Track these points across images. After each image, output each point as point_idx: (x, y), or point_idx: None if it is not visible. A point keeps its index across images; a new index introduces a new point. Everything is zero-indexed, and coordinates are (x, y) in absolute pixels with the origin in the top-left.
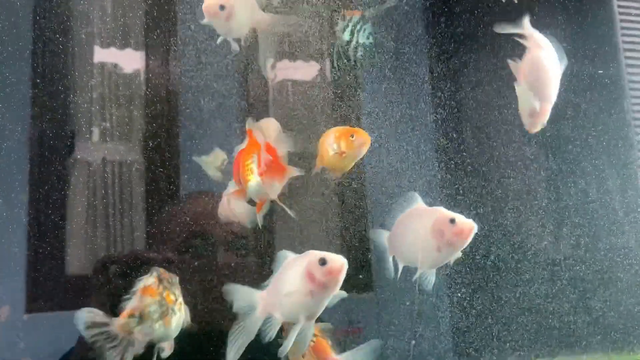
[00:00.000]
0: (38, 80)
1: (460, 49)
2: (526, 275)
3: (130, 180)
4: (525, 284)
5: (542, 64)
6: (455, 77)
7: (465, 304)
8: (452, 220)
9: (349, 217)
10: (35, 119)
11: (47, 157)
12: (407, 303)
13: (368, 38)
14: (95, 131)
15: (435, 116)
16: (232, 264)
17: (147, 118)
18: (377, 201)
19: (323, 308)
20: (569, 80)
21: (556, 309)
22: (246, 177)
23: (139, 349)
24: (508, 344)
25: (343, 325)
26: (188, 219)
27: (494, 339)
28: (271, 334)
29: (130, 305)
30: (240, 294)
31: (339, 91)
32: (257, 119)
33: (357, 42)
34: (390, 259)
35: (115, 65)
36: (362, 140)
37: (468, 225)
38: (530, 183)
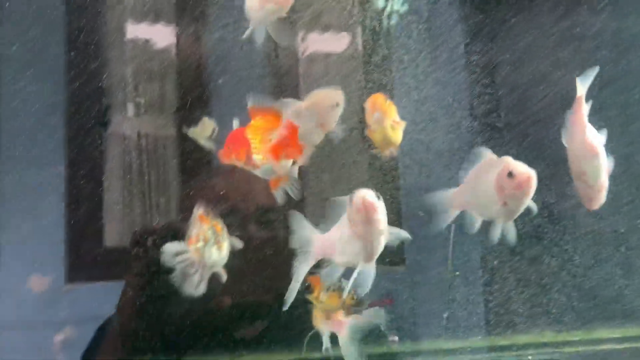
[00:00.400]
0: (73, 55)
1: (495, 14)
2: (566, 246)
3: (165, 154)
4: (564, 255)
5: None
6: (491, 45)
7: (499, 276)
8: (510, 174)
9: (381, 189)
10: (71, 93)
11: (83, 131)
12: (440, 275)
13: (403, 5)
14: (130, 105)
15: (471, 84)
16: (266, 237)
17: (179, 91)
18: (410, 174)
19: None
20: None
21: (596, 282)
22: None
23: (207, 273)
24: (542, 317)
25: (375, 297)
26: (222, 191)
27: (526, 312)
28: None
29: (194, 232)
30: (300, 229)
31: (372, 61)
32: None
33: (391, 8)
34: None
35: (148, 40)
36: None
37: (525, 177)
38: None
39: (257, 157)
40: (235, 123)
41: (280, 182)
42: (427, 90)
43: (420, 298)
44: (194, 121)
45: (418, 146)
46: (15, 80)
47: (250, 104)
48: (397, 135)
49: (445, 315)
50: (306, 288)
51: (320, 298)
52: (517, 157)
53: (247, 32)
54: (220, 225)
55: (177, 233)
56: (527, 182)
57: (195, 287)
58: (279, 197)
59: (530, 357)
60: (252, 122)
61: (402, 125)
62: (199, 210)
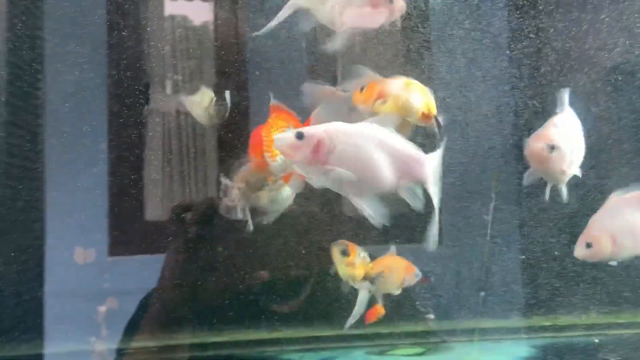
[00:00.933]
0: (114, 34)
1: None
2: None
3: (202, 131)
4: None
5: None
6: (536, 31)
7: (536, 256)
8: None
9: None
10: (111, 70)
11: (124, 108)
12: (477, 255)
13: None
14: (169, 83)
15: (514, 72)
16: (304, 213)
17: (217, 69)
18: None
19: None
20: None
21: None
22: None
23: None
24: (580, 300)
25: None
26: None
27: (566, 293)
28: None
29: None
30: None
31: (411, 44)
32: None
33: None
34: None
35: (185, 18)
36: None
37: None
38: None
39: (267, 155)
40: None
41: (292, 177)
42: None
43: (457, 276)
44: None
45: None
46: (60, 59)
47: (271, 101)
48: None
49: (482, 294)
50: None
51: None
52: None
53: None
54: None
55: (214, 208)
56: None
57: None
58: (296, 188)
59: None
60: (269, 120)
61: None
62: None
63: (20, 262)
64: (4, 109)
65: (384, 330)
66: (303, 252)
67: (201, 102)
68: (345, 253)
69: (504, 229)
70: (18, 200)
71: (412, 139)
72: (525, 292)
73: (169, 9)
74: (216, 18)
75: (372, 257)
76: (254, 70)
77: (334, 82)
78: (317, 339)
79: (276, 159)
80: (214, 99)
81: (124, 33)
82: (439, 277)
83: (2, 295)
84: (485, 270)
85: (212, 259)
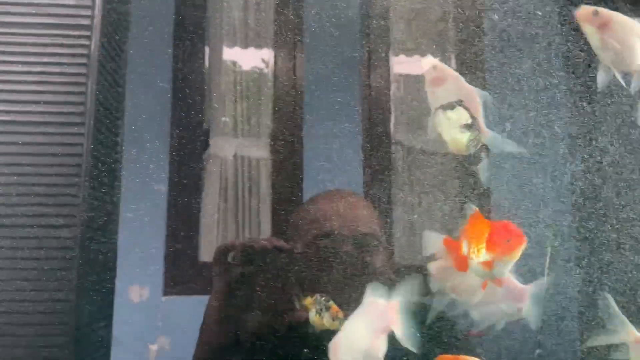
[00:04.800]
0: (178, 80)
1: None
2: None
3: (258, 176)
4: None
5: None
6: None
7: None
8: None
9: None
10: (175, 115)
11: (184, 152)
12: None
13: None
14: (228, 128)
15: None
16: (356, 263)
17: (274, 116)
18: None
19: None
20: None
21: None
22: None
23: None
24: None
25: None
26: (315, 215)
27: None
28: None
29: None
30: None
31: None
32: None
33: None
34: None
35: (245, 64)
36: None
37: None
38: None
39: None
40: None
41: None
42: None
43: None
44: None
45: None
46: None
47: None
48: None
49: (537, 352)
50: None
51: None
52: None
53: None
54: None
55: (257, 249)
56: None
57: None
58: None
59: None
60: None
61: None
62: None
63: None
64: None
65: None
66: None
67: (458, 120)
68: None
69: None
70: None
71: None
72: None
73: (229, 55)
74: (275, 63)
75: None
76: (309, 117)
77: None
78: None
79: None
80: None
81: (188, 78)
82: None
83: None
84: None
85: (252, 301)
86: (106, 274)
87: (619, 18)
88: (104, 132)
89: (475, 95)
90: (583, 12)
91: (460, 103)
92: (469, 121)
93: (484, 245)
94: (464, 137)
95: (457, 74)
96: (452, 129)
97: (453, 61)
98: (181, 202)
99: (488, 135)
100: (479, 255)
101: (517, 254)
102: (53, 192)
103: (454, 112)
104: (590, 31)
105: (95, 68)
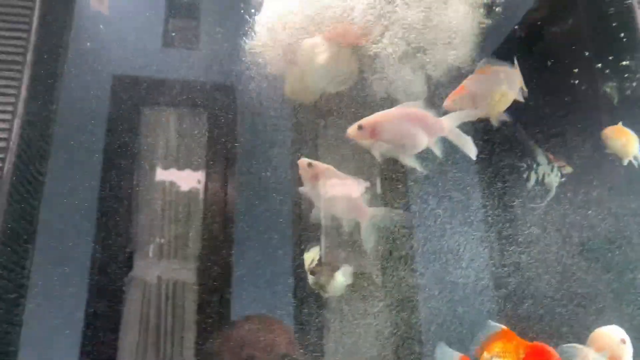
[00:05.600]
0: (104, 198)
1: None
2: None
3: (183, 299)
4: None
5: None
6: None
7: None
8: None
9: None
10: (98, 236)
11: (107, 275)
12: None
13: None
14: (152, 249)
15: None
16: None
17: (202, 238)
18: None
19: None
20: None
21: None
22: None
23: None
24: None
25: None
26: (238, 342)
27: None
28: None
29: None
30: None
31: None
32: None
33: None
34: None
35: (173, 184)
36: None
37: None
38: None
39: None
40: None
41: None
42: None
43: None
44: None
45: None
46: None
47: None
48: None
49: None
50: None
51: None
52: None
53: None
54: None
55: None
56: None
57: None
58: None
59: None
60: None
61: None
62: None
63: None
64: None
65: None
66: None
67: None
68: None
69: None
70: None
71: None
72: None
73: (160, 175)
74: (206, 186)
75: None
76: (239, 240)
77: None
78: None
79: None
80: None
81: (112, 199)
82: None
83: None
84: None
85: None
86: None
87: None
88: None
89: (354, 183)
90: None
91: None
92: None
93: None
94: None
95: (331, 167)
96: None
97: None
98: (100, 326)
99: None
100: None
101: None
102: None
103: (309, 253)
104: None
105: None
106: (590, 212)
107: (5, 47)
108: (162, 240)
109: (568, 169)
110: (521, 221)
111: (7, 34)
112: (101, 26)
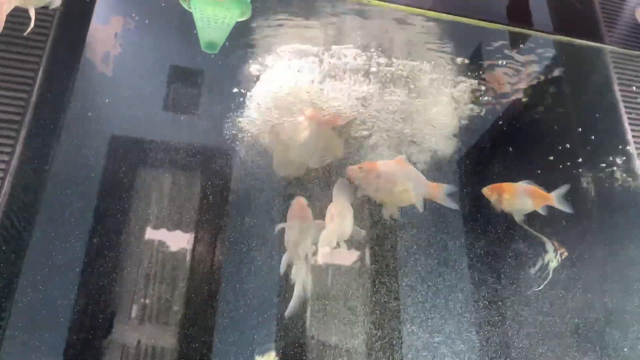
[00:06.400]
0: (92, 252)
1: None
2: None
3: None
4: None
5: None
6: None
7: None
8: None
9: None
10: (79, 295)
11: (83, 337)
12: None
13: None
14: (134, 311)
15: None
16: None
17: (187, 302)
18: None
19: None
20: None
21: None
22: None
23: None
24: None
25: None
26: None
27: None
28: None
29: None
30: None
31: None
32: None
33: None
34: None
35: (162, 244)
36: None
37: None
38: None
39: None
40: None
41: None
42: None
43: None
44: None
45: None
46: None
47: None
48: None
49: None
50: None
51: None
52: None
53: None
54: None
55: None
56: None
57: None
58: None
59: None
60: None
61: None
62: None
63: None
64: None
65: None
66: None
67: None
68: None
69: None
70: None
71: None
72: None
73: (149, 235)
74: (193, 249)
75: None
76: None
77: None
78: None
79: None
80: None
81: (101, 255)
82: None
83: None
84: None
85: None
86: None
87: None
88: None
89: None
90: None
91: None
92: None
93: None
94: None
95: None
96: None
97: None
98: None
99: None
100: None
101: None
102: None
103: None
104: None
105: None
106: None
107: (4, 105)
108: (145, 302)
109: (565, 254)
110: (518, 304)
111: (7, 93)
112: (103, 87)
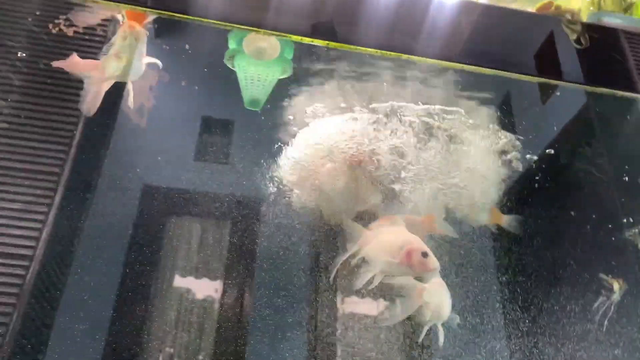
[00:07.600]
0: (122, 300)
1: None
2: None
3: None
4: None
5: None
6: None
7: None
8: None
9: None
10: (110, 343)
11: None
12: None
13: None
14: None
15: None
16: None
17: (215, 350)
18: None
19: None
20: None
21: None
22: None
23: None
24: None
25: None
26: None
27: None
28: None
29: None
30: None
31: None
32: None
33: None
34: None
35: (189, 291)
36: None
37: None
38: None
39: None
40: None
41: None
42: None
43: None
44: None
45: None
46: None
47: None
48: None
49: None
50: None
51: None
52: None
53: None
54: None
55: None
56: None
57: None
58: None
59: None
60: None
61: None
62: None
63: None
64: None
65: None
66: None
67: None
68: None
69: None
70: None
71: None
72: None
73: (177, 282)
74: (222, 297)
75: None
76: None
77: None
78: None
79: None
80: None
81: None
82: None
83: None
84: None
85: None
86: None
87: None
88: None
89: None
90: None
91: None
92: None
93: None
94: None
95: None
96: None
97: None
98: None
99: None
100: None
101: None
102: None
103: None
104: None
105: None
106: None
107: (46, 158)
108: (172, 351)
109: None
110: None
111: (49, 146)
112: (137, 139)
